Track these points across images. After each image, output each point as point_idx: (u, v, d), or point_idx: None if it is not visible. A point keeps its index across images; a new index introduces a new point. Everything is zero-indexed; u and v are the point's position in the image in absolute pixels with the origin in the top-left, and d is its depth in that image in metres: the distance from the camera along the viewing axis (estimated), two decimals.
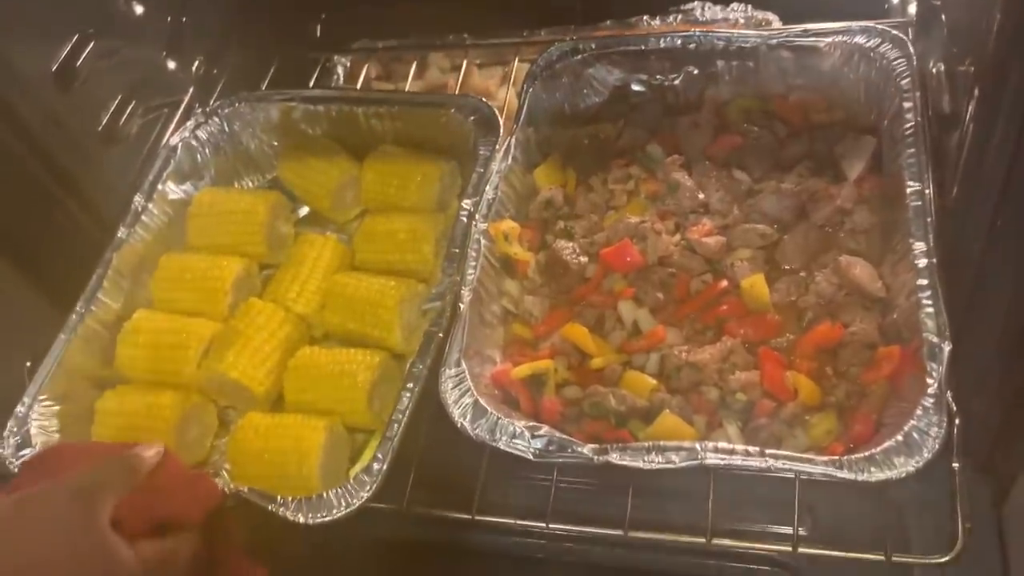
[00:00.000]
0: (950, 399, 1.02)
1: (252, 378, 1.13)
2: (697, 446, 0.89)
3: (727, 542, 0.99)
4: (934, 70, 1.16)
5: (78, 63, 1.31)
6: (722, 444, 0.90)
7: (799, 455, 0.88)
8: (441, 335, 1.06)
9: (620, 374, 1.03)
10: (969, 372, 1.20)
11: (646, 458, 0.90)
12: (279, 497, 0.97)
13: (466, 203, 1.17)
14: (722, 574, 1.13)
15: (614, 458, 0.90)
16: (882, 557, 0.97)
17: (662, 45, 1.24)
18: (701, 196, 1.14)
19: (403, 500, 1.05)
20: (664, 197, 1.16)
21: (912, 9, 1.31)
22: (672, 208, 1.15)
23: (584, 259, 1.13)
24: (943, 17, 1.14)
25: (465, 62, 1.52)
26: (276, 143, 1.41)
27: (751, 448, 0.89)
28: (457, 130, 1.29)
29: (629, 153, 1.23)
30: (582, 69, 1.28)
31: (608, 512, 1.03)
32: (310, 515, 0.96)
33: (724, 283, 1.08)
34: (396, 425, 1.00)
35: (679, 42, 1.23)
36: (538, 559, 1.16)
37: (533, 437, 0.94)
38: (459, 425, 0.96)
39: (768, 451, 0.88)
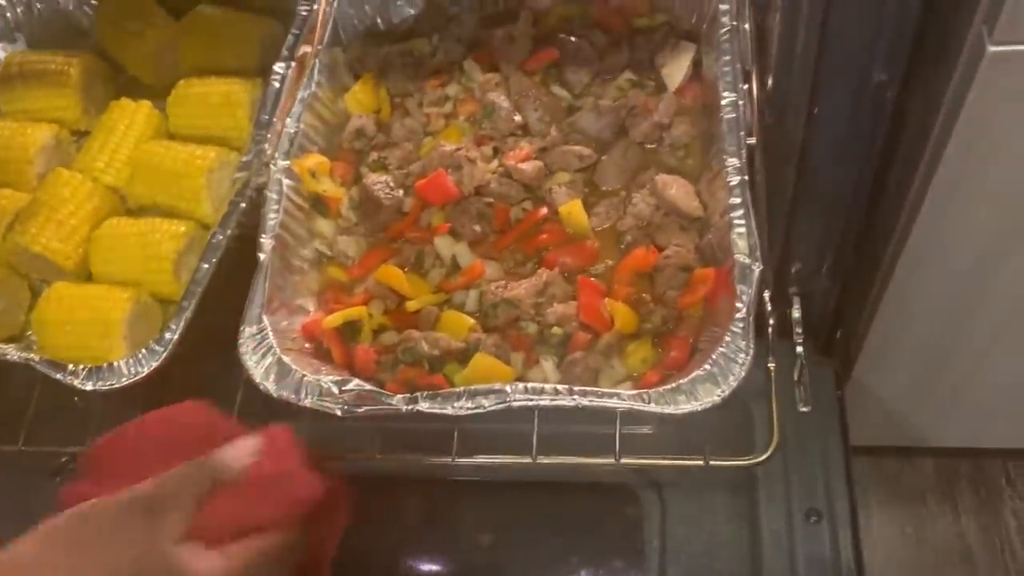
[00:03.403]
0: (767, 299, 1.03)
1: (57, 252, 1.09)
2: (507, 388, 0.86)
3: (552, 460, 0.98)
4: None
5: None
6: (532, 384, 0.87)
7: (606, 391, 0.86)
8: (244, 205, 1.05)
9: (437, 315, 0.98)
10: (805, 257, 1.23)
11: (456, 404, 0.87)
12: (69, 366, 0.97)
13: (278, 67, 1.12)
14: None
15: (424, 407, 0.87)
16: (701, 462, 0.98)
17: None
18: (518, 118, 1.08)
19: None
20: (481, 120, 1.09)
21: None
22: (490, 132, 1.09)
23: (400, 192, 1.06)
24: None
25: None
26: (95, 2, 1.32)
27: (560, 387, 0.86)
28: None
29: (446, 71, 1.15)
30: None
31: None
32: (99, 383, 0.97)
33: (544, 210, 1.03)
34: (191, 296, 1.00)
35: None
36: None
37: (341, 392, 0.90)
38: (262, 387, 0.91)
39: (576, 388, 0.86)
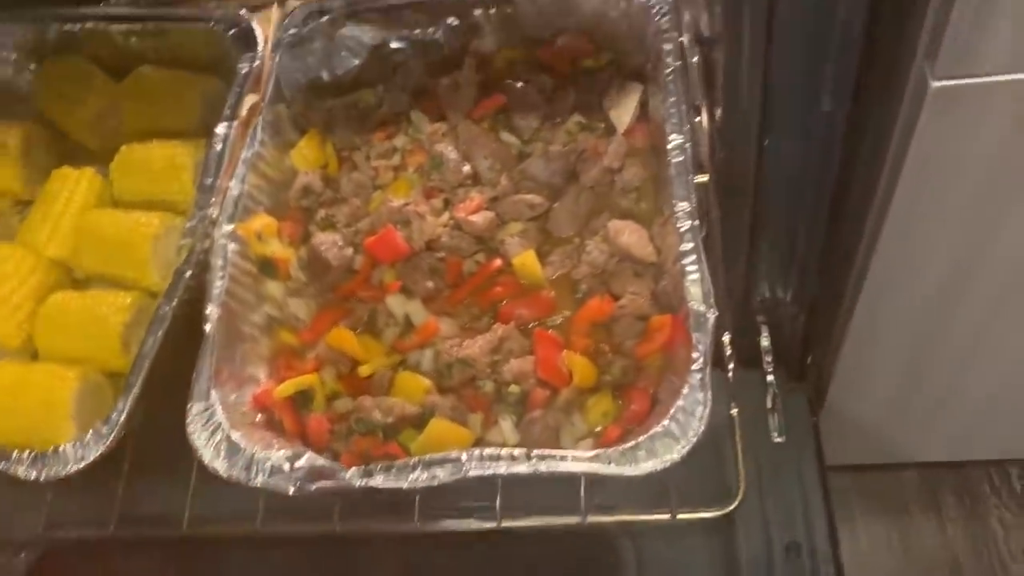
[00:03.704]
0: (727, 342, 1.02)
1: (0, 331, 1.06)
2: (463, 457, 0.84)
3: (517, 523, 0.97)
4: None
5: None
6: (488, 451, 0.85)
7: (565, 454, 0.84)
8: (189, 273, 1.01)
9: (391, 379, 0.96)
10: (769, 285, 1.22)
11: (411, 476, 0.84)
12: (13, 454, 0.93)
13: (220, 128, 1.09)
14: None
15: (378, 481, 0.84)
16: (668, 516, 0.96)
17: None
18: (467, 168, 1.06)
19: (182, 523, 0.99)
20: (430, 172, 1.07)
21: None
22: (439, 184, 1.07)
23: (349, 251, 1.04)
24: None
25: None
26: (34, 67, 1.29)
27: (516, 452, 0.84)
28: (218, 46, 1.21)
29: (392, 122, 1.13)
30: (333, 31, 1.15)
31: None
32: (44, 470, 0.92)
33: (498, 262, 1.01)
34: (138, 371, 0.96)
35: None
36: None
37: (292, 468, 0.87)
38: (211, 468, 0.88)
39: (534, 453, 0.83)
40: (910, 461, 1.68)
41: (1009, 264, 1.08)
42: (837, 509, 1.67)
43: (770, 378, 1.33)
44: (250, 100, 1.13)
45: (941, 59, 0.80)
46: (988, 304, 1.17)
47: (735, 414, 0.97)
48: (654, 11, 1.05)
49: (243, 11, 1.20)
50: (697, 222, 0.93)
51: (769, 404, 1.34)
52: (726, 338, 0.99)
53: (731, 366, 0.97)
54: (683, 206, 0.93)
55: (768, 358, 1.35)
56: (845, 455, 1.60)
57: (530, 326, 0.99)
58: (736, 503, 0.95)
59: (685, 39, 1.06)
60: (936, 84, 0.81)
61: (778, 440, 1.33)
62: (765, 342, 1.35)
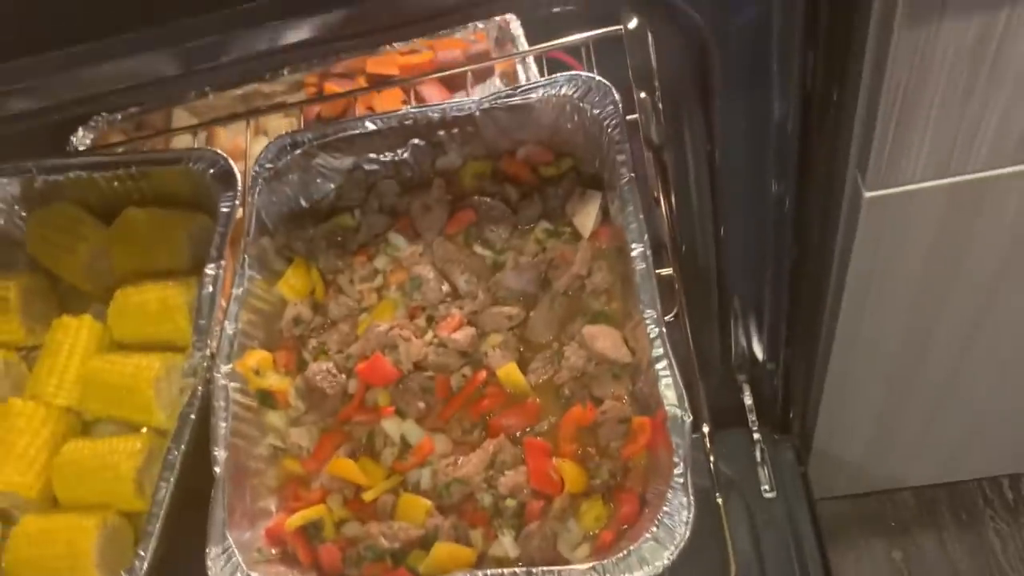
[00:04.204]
0: (706, 431, 1.07)
1: (19, 484, 1.11)
2: None
3: None
4: (642, 95, 1.17)
5: None
6: (492, 572, 0.90)
7: (563, 568, 0.89)
8: (193, 417, 1.06)
9: (394, 503, 1.01)
10: (746, 349, 1.27)
11: None
12: None
13: (209, 269, 1.14)
14: None
15: None
16: None
17: (379, 126, 1.19)
18: (445, 287, 1.12)
19: None
20: (411, 292, 1.13)
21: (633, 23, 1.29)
22: (421, 302, 1.12)
23: (343, 377, 1.09)
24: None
25: (206, 133, 1.46)
26: (25, 215, 1.34)
27: (518, 570, 0.89)
28: (199, 184, 1.25)
29: (372, 244, 1.19)
30: (307, 161, 1.21)
31: None
32: None
33: (483, 373, 1.07)
34: (154, 519, 1.01)
35: (395, 122, 1.19)
36: None
37: None
38: None
39: (535, 569, 0.89)
40: (904, 486, 1.74)
41: (964, 323, 1.14)
42: (838, 536, 1.73)
43: (756, 435, 1.39)
44: (235, 239, 1.18)
45: (871, 171, 0.86)
46: (952, 352, 1.23)
47: (720, 502, 1.02)
48: (606, 122, 1.10)
49: (219, 150, 1.26)
50: (664, 329, 0.98)
51: (758, 459, 1.40)
52: (705, 428, 1.04)
53: (712, 459, 1.03)
54: (650, 313, 0.99)
55: (752, 416, 1.41)
56: (839, 488, 1.66)
57: (518, 434, 1.04)
58: None
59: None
60: (869, 195, 0.87)
61: (769, 495, 1.39)
62: (748, 400, 1.41)
